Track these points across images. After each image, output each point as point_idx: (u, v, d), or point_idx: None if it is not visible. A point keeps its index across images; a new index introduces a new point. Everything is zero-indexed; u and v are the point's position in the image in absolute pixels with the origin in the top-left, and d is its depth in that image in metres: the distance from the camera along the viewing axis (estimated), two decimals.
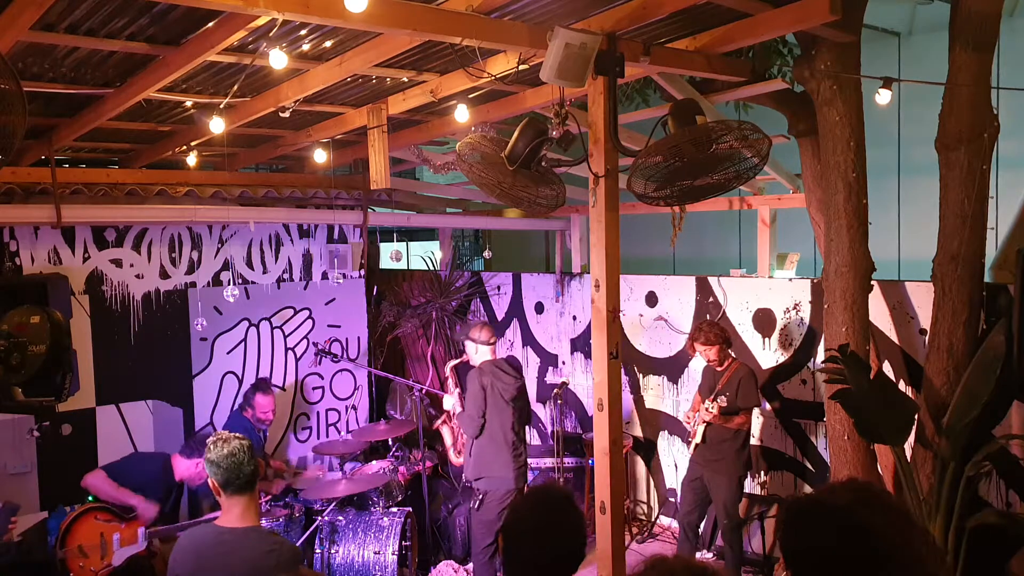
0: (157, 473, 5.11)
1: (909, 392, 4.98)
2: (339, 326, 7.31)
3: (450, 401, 5.72)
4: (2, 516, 4.11)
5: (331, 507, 5.29)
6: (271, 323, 6.86)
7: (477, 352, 5.24)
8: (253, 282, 6.76)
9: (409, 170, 8.48)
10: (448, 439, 6.14)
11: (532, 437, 7.27)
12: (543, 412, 7.36)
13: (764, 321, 5.91)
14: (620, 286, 3.87)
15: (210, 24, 3.43)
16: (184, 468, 5.15)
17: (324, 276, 7.18)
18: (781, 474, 5.85)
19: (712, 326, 5.30)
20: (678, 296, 6.44)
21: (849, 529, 1.70)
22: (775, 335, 5.86)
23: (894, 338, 5.18)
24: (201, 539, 2.76)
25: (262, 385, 6.08)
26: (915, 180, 7.50)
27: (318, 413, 7.24)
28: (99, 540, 4.75)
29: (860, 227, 4.32)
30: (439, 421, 6.06)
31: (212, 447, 2.74)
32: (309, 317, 7.12)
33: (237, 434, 2.82)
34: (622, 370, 4.02)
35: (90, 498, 4.92)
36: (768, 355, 5.90)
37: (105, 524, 4.81)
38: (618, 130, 3.69)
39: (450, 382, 5.84)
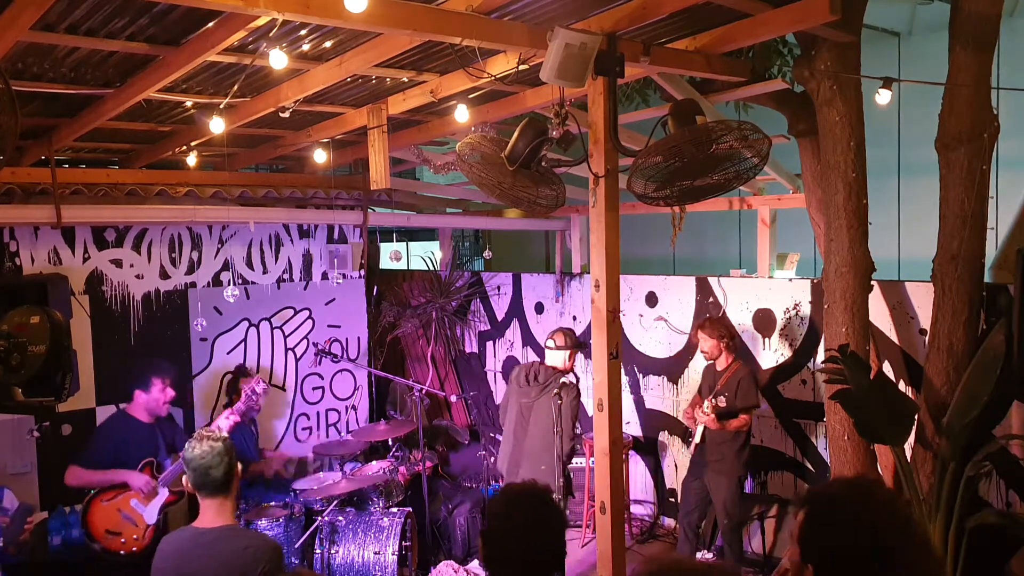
0: (126, 431, 4.96)
1: (909, 392, 4.98)
2: (339, 326, 7.31)
3: None
4: (18, 517, 4.11)
5: (331, 507, 5.29)
6: (271, 323, 6.86)
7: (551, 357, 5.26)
8: (253, 282, 6.76)
9: (409, 170, 8.48)
10: None
11: None
12: None
13: (764, 321, 5.91)
14: (620, 286, 3.88)
15: (210, 24, 3.42)
16: (144, 404, 4.98)
17: (324, 276, 7.18)
18: (781, 474, 5.85)
19: (720, 321, 5.33)
20: (678, 296, 6.44)
21: (861, 529, 1.70)
22: (775, 335, 5.86)
23: (894, 338, 5.18)
24: (180, 541, 2.76)
25: (242, 370, 6.10)
26: (915, 180, 7.50)
27: (318, 413, 7.24)
28: (119, 516, 4.79)
29: (860, 227, 4.32)
30: None
31: (187, 446, 2.75)
32: (309, 317, 7.12)
33: (214, 434, 2.79)
34: (622, 370, 4.01)
35: (92, 491, 4.93)
36: (768, 355, 5.90)
37: (115, 500, 4.81)
38: (618, 130, 3.69)
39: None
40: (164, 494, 4.82)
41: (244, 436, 5.54)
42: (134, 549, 4.74)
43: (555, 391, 4.86)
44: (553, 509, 2.27)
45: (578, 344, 5.28)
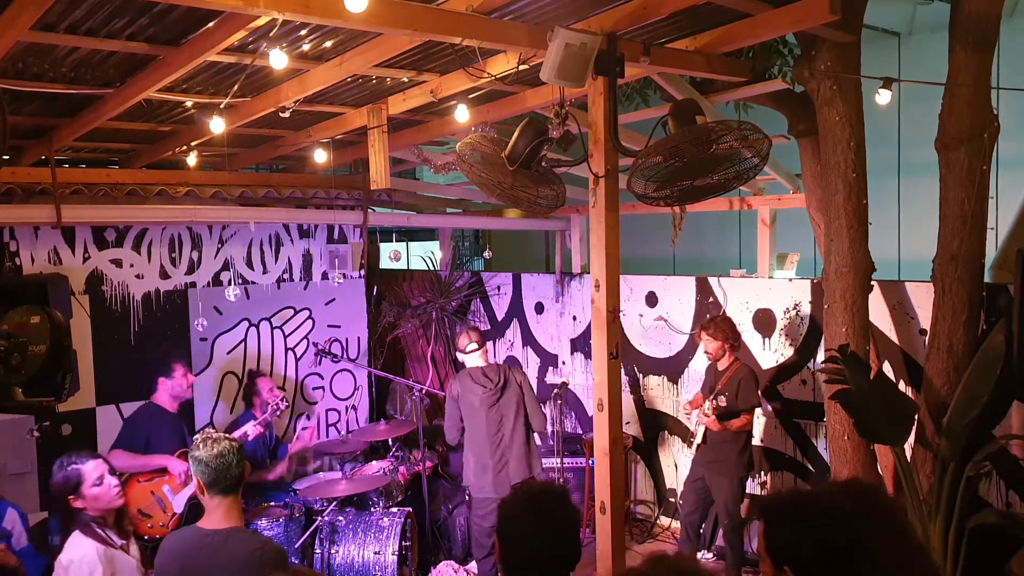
0: (155, 421, 5.09)
1: (909, 392, 4.98)
2: (339, 326, 7.31)
3: None
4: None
5: (331, 507, 5.29)
6: (271, 323, 6.86)
7: (466, 364, 5.40)
8: (253, 282, 6.76)
9: (409, 170, 8.48)
10: None
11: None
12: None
13: (764, 321, 5.91)
14: (620, 286, 3.88)
15: (210, 24, 3.42)
16: (170, 391, 5.16)
17: (324, 276, 7.18)
18: (781, 474, 5.85)
19: (723, 321, 5.32)
20: (678, 296, 6.44)
21: (823, 520, 1.70)
22: (775, 335, 5.86)
23: (894, 338, 5.18)
24: (184, 542, 2.74)
25: (255, 373, 6.14)
26: (915, 180, 7.49)
27: (318, 413, 7.23)
28: (152, 499, 4.86)
29: (860, 227, 4.32)
30: None
31: (201, 445, 2.75)
32: (309, 317, 7.11)
33: (223, 434, 2.83)
34: (622, 370, 4.01)
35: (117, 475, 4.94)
36: (768, 355, 5.90)
37: (149, 483, 4.90)
38: (618, 130, 3.69)
39: None
40: (193, 486, 4.86)
41: (257, 441, 5.55)
42: (157, 536, 4.82)
43: (518, 379, 5.31)
44: (571, 509, 2.28)
45: (485, 338, 5.57)
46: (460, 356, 5.44)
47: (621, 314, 3.96)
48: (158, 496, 4.87)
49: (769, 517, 1.83)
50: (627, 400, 6.72)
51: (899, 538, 1.72)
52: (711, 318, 5.43)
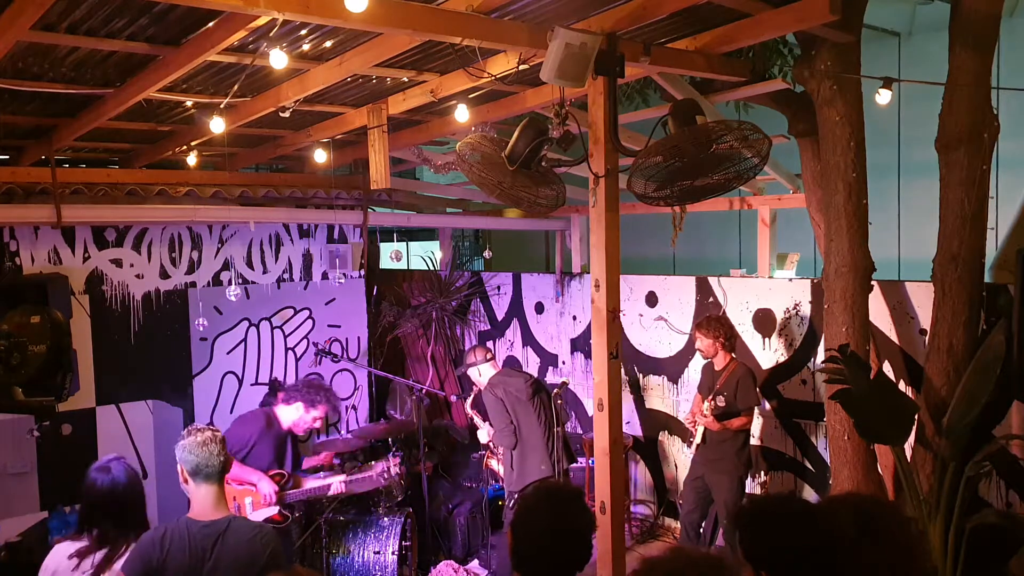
0: (261, 432, 4.99)
1: (909, 392, 4.98)
2: (339, 326, 7.31)
3: (484, 435, 5.66)
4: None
5: (331, 507, 5.29)
6: (271, 323, 6.86)
7: (481, 374, 5.32)
8: (253, 282, 6.76)
9: (409, 170, 8.48)
10: (501, 470, 5.87)
11: None
12: None
13: (764, 321, 5.91)
14: (620, 286, 3.88)
15: (210, 24, 3.42)
16: (288, 416, 5.09)
17: (324, 276, 7.18)
18: (781, 474, 5.85)
19: (718, 321, 5.32)
20: (678, 296, 6.44)
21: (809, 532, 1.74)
22: (775, 335, 5.86)
23: (894, 338, 5.18)
24: (182, 533, 2.78)
25: (277, 385, 6.10)
26: (915, 180, 7.50)
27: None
28: (232, 505, 4.75)
29: (860, 227, 4.32)
30: (486, 458, 5.93)
31: (186, 435, 2.86)
32: (309, 317, 7.11)
33: (212, 426, 2.93)
34: (622, 370, 4.02)
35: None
36: (768, 355, 5.90)
37: (237, 489, 4.81)
38: (618, 130, 3.69)
39: (476, 420, 5.76)
40: (274, 509, 4.81)
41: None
42: None
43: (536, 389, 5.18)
44: (586, 511, 2.31)
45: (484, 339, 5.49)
46: (476, 371, 5.32)
47: (621, 314, 3.95)
48: (237, 504, 4.75)
49: (742, 525, 1.87)
50: (627, 400, 6.72)
51: (903, 557, 1.75)
52: (707, 316, 5.44)
